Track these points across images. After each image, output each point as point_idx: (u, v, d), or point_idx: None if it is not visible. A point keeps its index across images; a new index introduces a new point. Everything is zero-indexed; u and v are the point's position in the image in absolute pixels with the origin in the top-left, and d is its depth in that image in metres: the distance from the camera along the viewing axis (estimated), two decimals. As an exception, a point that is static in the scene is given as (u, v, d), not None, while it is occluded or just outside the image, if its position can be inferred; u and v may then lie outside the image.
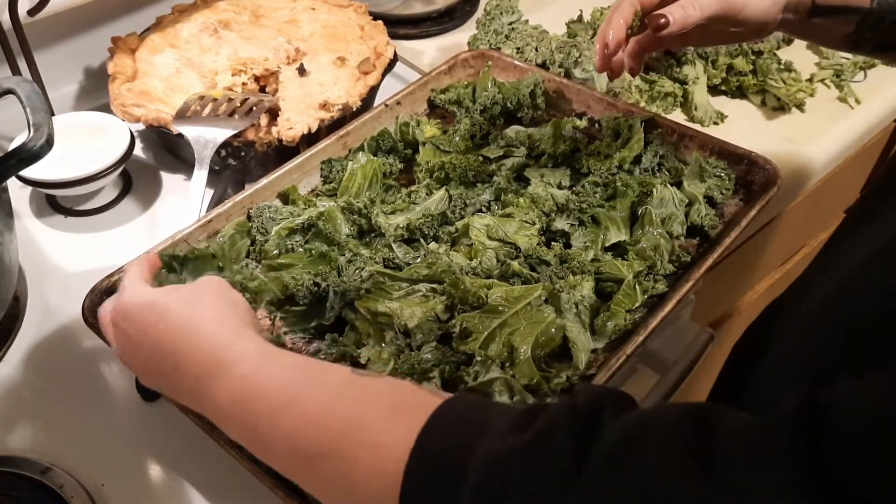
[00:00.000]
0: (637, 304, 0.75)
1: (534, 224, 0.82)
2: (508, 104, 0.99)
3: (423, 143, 0.94)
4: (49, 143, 0.69)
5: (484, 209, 0.86)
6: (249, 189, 0.86)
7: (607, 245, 0.82)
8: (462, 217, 0.84)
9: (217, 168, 0.96)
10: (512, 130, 0.98)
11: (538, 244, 0.81)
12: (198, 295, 0.57)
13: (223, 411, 0.52)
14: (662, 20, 0.74)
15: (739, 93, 1.14)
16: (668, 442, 0.37)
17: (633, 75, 0.83)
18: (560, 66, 1.10)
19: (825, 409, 0.35)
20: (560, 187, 0.89)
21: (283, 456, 0.49)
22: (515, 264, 0.77)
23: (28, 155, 0.68)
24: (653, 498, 0.35)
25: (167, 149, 1.05)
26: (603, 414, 0.40)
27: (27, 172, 0.83)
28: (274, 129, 0.96)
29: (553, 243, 0.81)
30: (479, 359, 0.69)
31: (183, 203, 0.86)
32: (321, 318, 0.75)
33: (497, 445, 0.40)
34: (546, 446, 0.39)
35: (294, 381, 0.50)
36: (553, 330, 0.71)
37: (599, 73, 0.91)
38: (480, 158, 0.92)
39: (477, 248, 0.79)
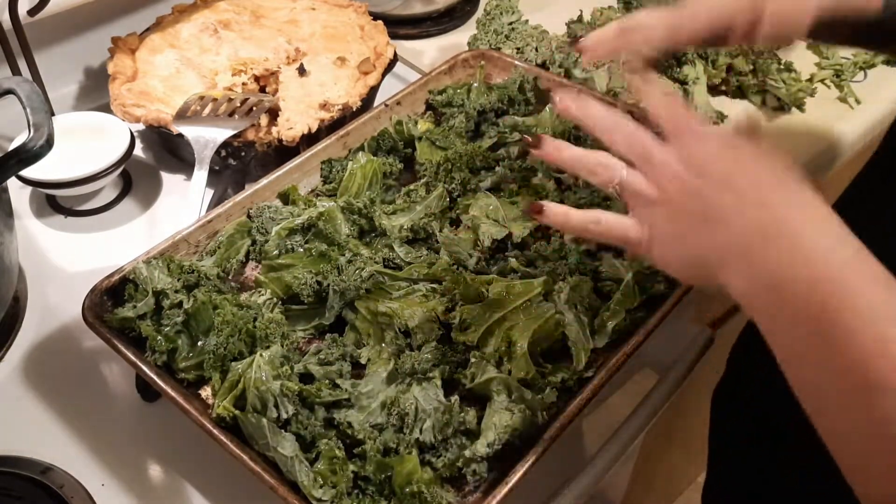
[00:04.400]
0: (637, 304, 0.75)
1: (534, 219, 0.83)
2: (500, 104, 0.99)
3: (419, 139, 0.94)
4: (49, 143, 0.69)
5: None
6: (249, 189, 0.86)
7: (602, 242, 0.82)
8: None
9: (217, 168, 0.96)
10: (509, 119, 0.98)
11: (530, 235, 0.82)
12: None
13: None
14: None
15: (739, 93, 1.14)
16: None
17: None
18: (560, 66, 1.10)
19: None
20: (561, 172, 0.89)
21: (840, 353, 0.43)
22: (514, 261, 0.78)
23: (28, 155, 0.68)
24: None
25: (167, 149, 1.05)
26: None
27: (27, 172, 0.83)
28: (274, 129, 0.96)
29: (553, 238, 0.82)
30: (473, 360, 0.69)
31: (183, 203, 0.86)
32: (321, 318, 0.76)
33: None
34: None
35: (886, 300, 0.44)
36: (551, 325, 0.72)
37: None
38: (484, 147, 0.92)
39: (475, 225, 0.81)
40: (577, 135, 0.93)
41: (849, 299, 0.43)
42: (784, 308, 0.46)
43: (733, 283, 0.49)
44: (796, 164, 0.51)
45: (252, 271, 0.83)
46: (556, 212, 0.58)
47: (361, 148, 0.94)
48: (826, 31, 0.70)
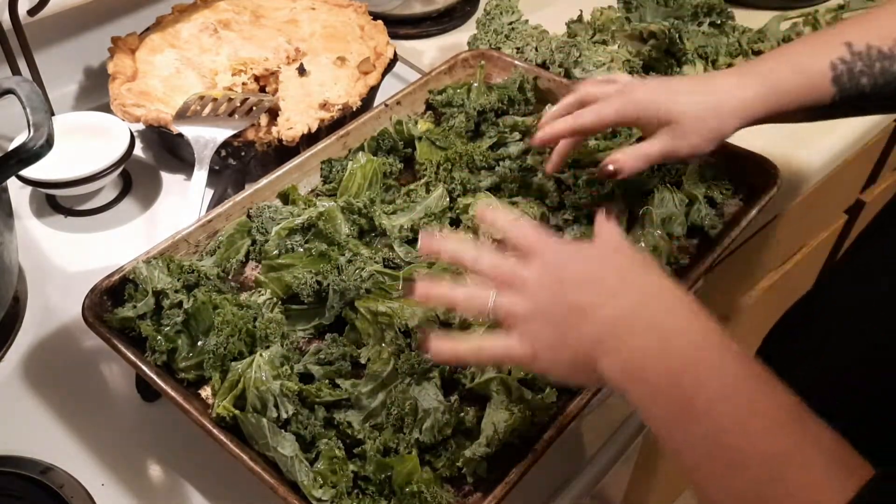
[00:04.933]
0: (637, 304, 0.75)
1: (534, 219, 0.83)
2: (500, 104, 0.99)
3: (420, 139, 0.95)
4: (49, 143, 0.69)
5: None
6: (249, 189, 0.86)
7: None
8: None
9: (217, 168, 0.96)
10: (509, 119, 0.98)
11: None
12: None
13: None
14: (611, 168, 0.75)
15: (739, 93, 1.14)
16: None
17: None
18: (560, 66, 1.10)
19: None
20: (562, 172, 0.90)
21: (704, 434, 0.46)
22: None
23: (28, 155, 0.68)
24: None
25: (167, 149, 1.05)
26: None
27: (27, 172, 0.83)
28: (274, 129, 0.96)
29: None
30: None
31: (183, 203, 0.86)
32: (321, 318, 0.76)
33: None
34: None
35: (741, 377, 0.48)
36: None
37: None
38: (484, 147, 0.93)
39: (475, 225, 0.81)
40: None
41: (703, 380, 0.47)
42: (651, 391, 0.49)
43: (607, 372, 0.52)
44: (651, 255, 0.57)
45: (252, 271, 0.83)
46: (443, 349, 0.59)
47: (361, 148, 0.94)
48: (773, 121, 0.75)
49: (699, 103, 0.73)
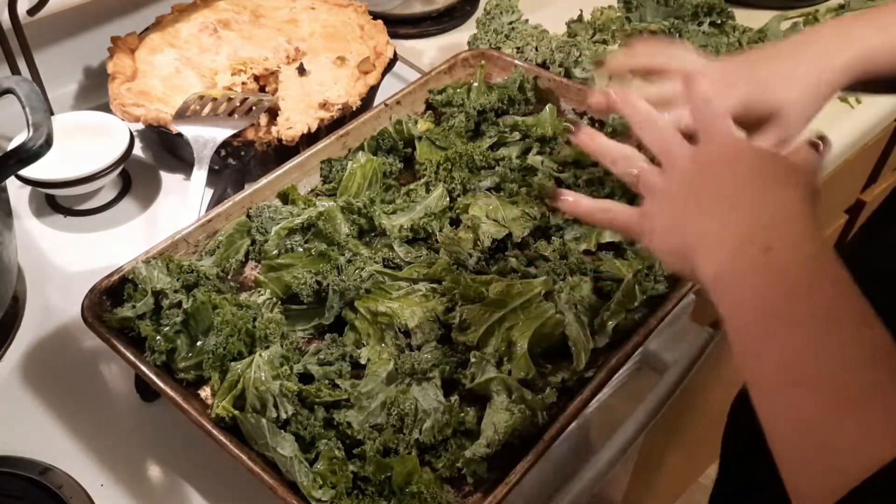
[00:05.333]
0: (637, 304, 0.75)
1: (535, 219, 0.83)
2: (501, 104, 0.99)
3: (419, 139, 0.94)
4: (48, 143, 0.69)
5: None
6: (249, 189, 0.86)
7: (602, 242, 0.82)
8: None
9: (217, 168, 0.96)
10: (509, 119, 0.98)
11: (530, 235, 0.82)
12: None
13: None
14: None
15: (740, 92, 1.14)
16: None
17: None
18: (560, 66, 1.10)
19: None
20: (562, 172, 0.90)
21: (774, 355, 0.45)
22: (514, 261, 0.78)
23: (27, 155, 0.68)
24: None
25: (167, 149, 1.05)
26: None
27: (27, 172, 0.83)
28: (273, 129, 0.96)
29: (553, 238, 0.82)
30: (473, 360, 0.69)
31: (182, 203, 0.86)
32: (321, 318, 0.75)
33: None
34: None
35: (832, 308, 0.45)
36: (551, 325, 0.72)
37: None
38: (484, 146, 0.93)
39: (475, 225, 0.81)
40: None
41: (790, 302, 0.46)
42: (738, 300, 0.49)
43: (702, 269, 0.52)
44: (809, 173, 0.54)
45: (251, 271, 0.83)
46: (568, 198, 0.63)
47: (361, 147, 0.94)
48: (859, 89, 0.72)
49: (793, 81, 0.71)
